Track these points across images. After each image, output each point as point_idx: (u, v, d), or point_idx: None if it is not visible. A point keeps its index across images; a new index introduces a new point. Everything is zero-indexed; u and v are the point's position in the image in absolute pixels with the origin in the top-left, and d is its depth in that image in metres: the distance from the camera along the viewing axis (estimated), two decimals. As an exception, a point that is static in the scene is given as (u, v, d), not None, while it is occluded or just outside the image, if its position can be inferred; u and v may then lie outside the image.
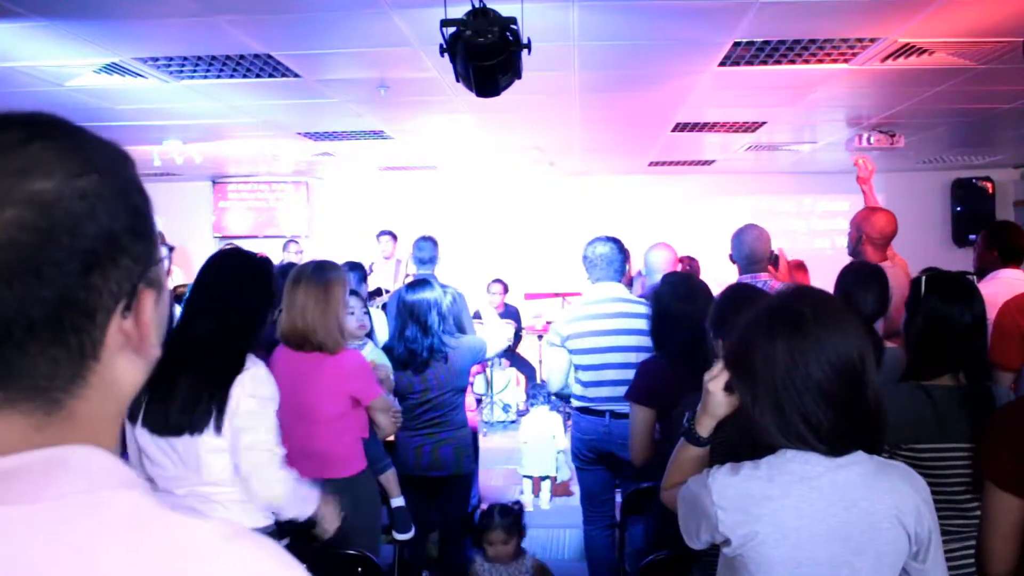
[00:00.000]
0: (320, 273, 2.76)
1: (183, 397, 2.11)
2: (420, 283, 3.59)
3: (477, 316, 7.87)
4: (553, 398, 6.26)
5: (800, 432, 1.34)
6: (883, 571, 1.36)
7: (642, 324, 3.28)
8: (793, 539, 1.34)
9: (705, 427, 1.62)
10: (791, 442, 1.36)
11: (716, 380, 1.56)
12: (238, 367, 2.14)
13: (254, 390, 2.13)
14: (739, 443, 1.58)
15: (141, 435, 2.16)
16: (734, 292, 2.25)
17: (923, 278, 2.14)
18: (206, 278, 2.29)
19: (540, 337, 7.94)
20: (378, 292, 6.34)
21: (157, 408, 2.13)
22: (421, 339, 3.40)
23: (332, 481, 2.74)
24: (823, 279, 3.16)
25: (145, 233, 0.62)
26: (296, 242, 7.98)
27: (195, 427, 2.09)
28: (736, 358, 1.45)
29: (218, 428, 2.10)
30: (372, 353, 3.51)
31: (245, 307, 2.23)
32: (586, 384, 3.46)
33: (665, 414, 2.57)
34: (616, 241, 3.63)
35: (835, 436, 1.34)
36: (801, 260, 4.55)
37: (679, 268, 4.37)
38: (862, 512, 1.34)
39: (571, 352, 3.52)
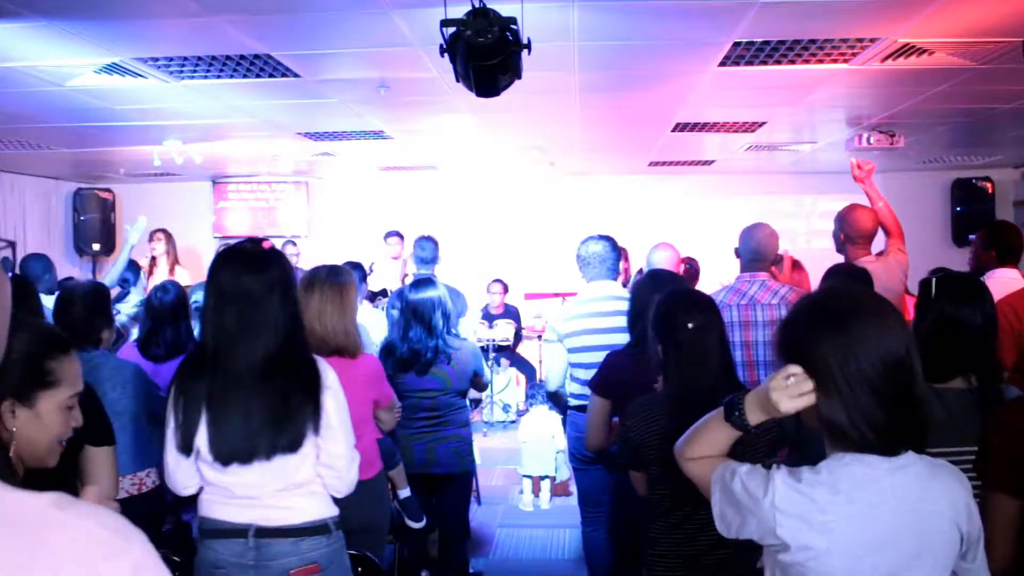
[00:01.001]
0: (335, 277, 2.79)
1: (263, 420, 2.00)
2: (424, 282, 3.58)
3: (485, 315, 7.94)
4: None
5: (863, 431, 1.32)
6: (938, 573, 1.34)
7: None
8: (857, 546, 1.31)
9: (756, 419, 1.48)
10: (855, 443, 1.33)
11: (783, 392, 1.37)
12: (316, 376, 2.07)
13: (336, 397, 2.09)
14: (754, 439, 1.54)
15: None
16: (670, 298, 2.32)
17: (933, 279, 2.12)
18: (236, 293, 2.04)
19: (540, 337, 7.95)
20: (383, 293, 6.35)
21: (226, 439, 2.01)
22: (426, 340, 3.40)
23: (358, 483, 2.72)
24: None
25: None
26: (294, 244, 7.97)
27: (295, 445, 2.01)
28: (799, 362, 1.38)
29: (315, 432, 2.05)
30: None
31: (292, 312, 2.10)
32: (585, 382, 3.46)
33: (621, 405, 2.60)
34: (609, 239, 3.64)
35: (891, 434, 1.32)
36: (798, 259, 4.55)
37: (681, 269, 4.38)
38: (922, 514, 1.32)
39: (569, 351, 3.52)
